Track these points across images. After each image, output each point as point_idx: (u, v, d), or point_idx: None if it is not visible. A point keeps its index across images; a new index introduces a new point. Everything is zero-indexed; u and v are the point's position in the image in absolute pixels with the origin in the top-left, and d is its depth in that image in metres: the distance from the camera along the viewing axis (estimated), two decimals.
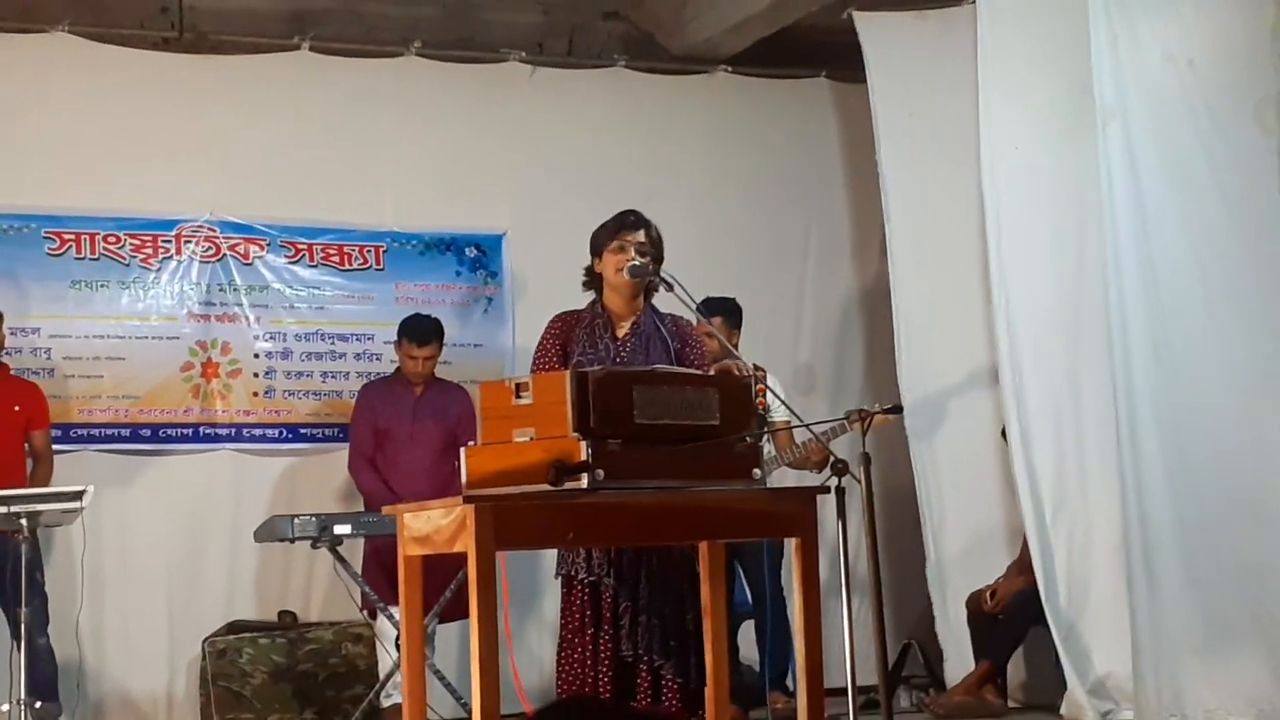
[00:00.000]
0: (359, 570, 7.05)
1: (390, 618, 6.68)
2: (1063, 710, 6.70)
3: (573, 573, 5.34)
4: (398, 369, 7.55)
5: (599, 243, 5.46)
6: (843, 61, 8.35)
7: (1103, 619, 6.65)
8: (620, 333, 5.44)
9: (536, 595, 7.68)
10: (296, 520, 6.59)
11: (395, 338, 7.52)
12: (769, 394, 6.27)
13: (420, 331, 7.43)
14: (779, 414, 6.85)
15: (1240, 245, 6.07)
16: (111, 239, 7.67)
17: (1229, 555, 6.01)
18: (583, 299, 5.58)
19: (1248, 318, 6.05)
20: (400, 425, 7.42)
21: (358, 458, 7.46)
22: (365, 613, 7.15)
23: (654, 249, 5.41)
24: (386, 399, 7.48)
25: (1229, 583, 6.02)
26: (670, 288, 5.12)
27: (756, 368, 5.15)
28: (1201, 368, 6.11)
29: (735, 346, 6.89)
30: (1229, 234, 6.09)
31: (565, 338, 5.46)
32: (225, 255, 7.85)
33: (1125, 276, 6.18)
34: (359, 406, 7.54)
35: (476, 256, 8.26)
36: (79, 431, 7.53)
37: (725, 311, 7.17)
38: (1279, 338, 6.02)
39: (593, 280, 5.51)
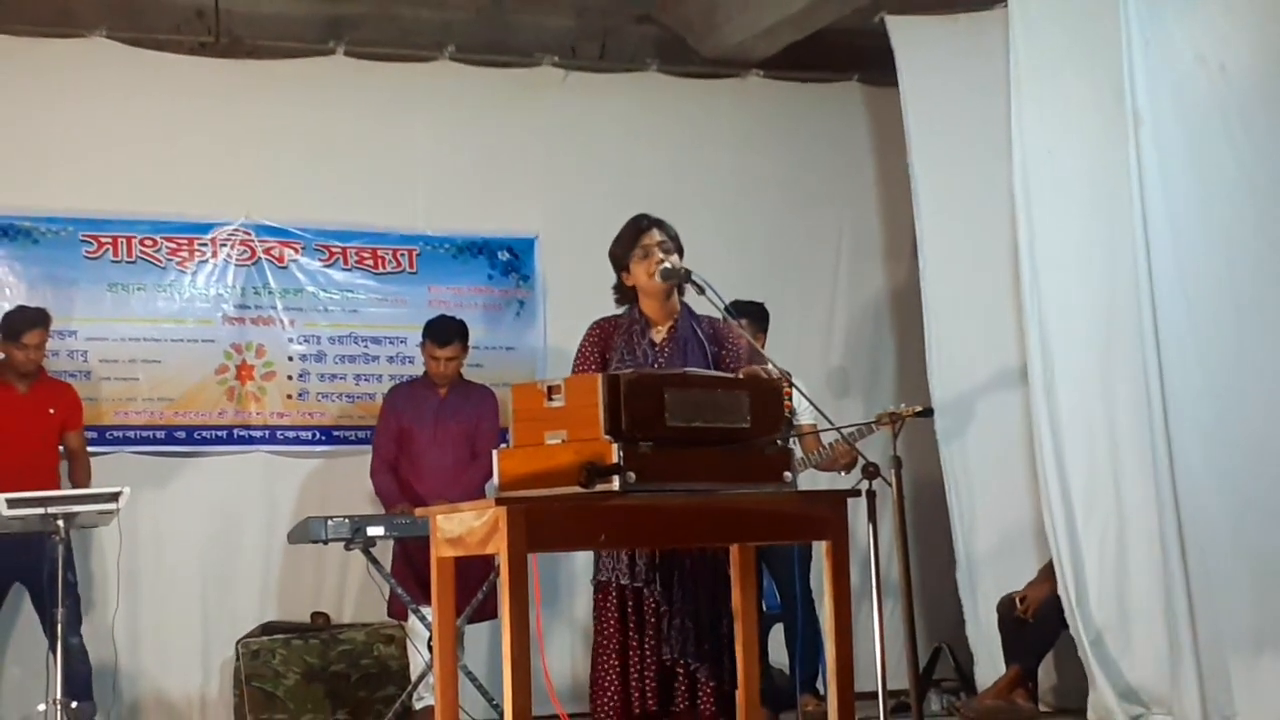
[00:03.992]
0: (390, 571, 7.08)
1: (422, 618, 6.70)
2: (1091, 714, 6.67)
3: (613, 579, 5.30)
4: (426, 371, 7.58)
5: (621, 256, 5.40)
6: (874, 65, 8.35)
7: (1138, 622, 6.61)
8: (658, 338, 5.42)
9: (566, 597, 7.69)
10: (330, 522, 6.63)
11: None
12: (795, 396, 6.25)
13: (442, 332, 7.43)
14: (805, 416, 6.85)
15: (1270, 248, 6.06)
16: (148, 242, 7.73)
17: (1267, 560, 6.00)
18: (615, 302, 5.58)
19: (1277, 319, 6.03)
20: (423, 427, 7.44)
21: (377, 460, 7.48)
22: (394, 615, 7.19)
23: (675, 243, 5.39)
24: (410, 401, 7.50)
25: (1267, 587, 6.00)
26: (701, 291, 5.11)
27: (783, 372, 5.13)
28: (1233, 369, 6.10)
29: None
30: (1258, 237, 6.08)
31: (604, 344, 5.43)
32: (260, 258, 7.89)
33: (1156, 278, 6.18)
34: (383, 409, 7.57)
35: (509, 260, 8.29)
36: (115, 433, 7.59)
37: (751, 315, 7.15)
38: None
39: (624, 294, 5.46)
